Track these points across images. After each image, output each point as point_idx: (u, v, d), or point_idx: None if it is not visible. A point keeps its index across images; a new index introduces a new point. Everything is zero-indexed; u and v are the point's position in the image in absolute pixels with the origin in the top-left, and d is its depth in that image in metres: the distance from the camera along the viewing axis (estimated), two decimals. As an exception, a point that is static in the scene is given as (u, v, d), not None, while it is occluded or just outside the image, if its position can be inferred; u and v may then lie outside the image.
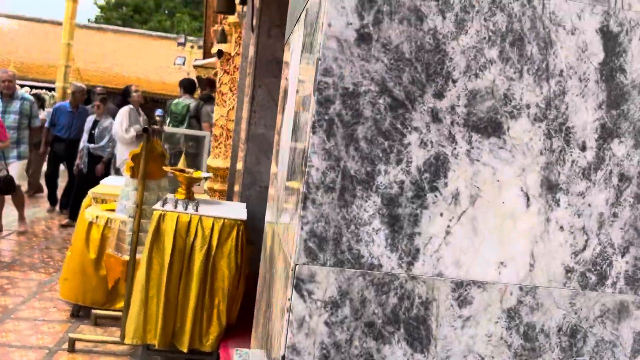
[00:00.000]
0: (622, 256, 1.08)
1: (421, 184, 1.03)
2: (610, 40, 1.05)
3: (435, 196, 1.03)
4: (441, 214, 1.04)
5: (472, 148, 1.04)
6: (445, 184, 1.04)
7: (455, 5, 1.01)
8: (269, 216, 1.74)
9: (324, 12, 0.99)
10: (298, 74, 1.28)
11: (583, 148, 1.06)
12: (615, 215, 1.07)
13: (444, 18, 1.01)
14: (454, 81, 1.02)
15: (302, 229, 1.01)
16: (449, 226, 1.04)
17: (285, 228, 1.18)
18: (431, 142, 1.03)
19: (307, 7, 1.23)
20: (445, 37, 1.02)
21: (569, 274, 1.07)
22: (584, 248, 1.07)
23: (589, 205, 1.07)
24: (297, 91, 1.26)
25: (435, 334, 1.06)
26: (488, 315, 1.07)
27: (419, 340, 1.05)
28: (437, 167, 1.03)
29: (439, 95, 1.02)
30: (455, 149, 1.03)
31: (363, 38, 1.00)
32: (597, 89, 1.05)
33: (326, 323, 1.03)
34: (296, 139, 1.17)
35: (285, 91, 1.64)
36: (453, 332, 1.06)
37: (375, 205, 1.02)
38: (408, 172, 1.02)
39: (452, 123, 1.03)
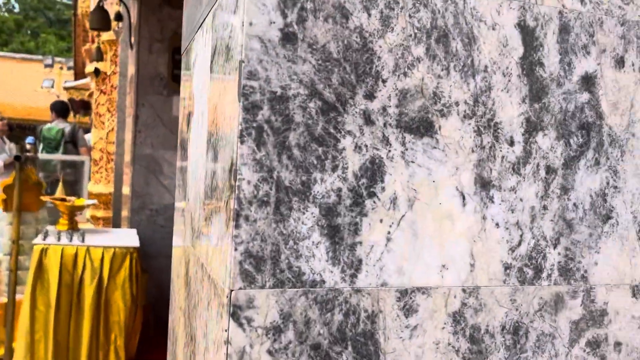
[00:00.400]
0: (554, 248, 1.09)
1: (359, 190, 0.97)
2: (528, 34, 1.06)
3: (374, 202, 0.98)
4: (381, 220, 0.98)
5: (407, 149, 1.00)
6: (383, 189, 0.98)
7: (379, 1, 0.97)
8: (178, 240, 1.60)
9: (244, 10, 0.91)
10: (209, 80, 1.18)
11: (511, 143, 1.06)
12: (545, 207, 1.08)
13: (369, 15, 0.97)
14: (384, 81, 0.98)
15: (235, 249, 0.91)
16: (389, 232, 0.99)
17: (211, 251, 1.07)
18: (365, 145, 0.97)
19: (216, 8, 1.13)
20: (372, 35, 0.97)
21: (508, 271, 1.07)
22: (520, 243, 1.07)
23: (521, 199, 1.07)
24: (210, 99, 1.15)
25: (383, 348, 1.00)
26: (434, 322, 1.03)
27: (368, 357, 0.99)
28: (374, 172, 0.98)
29: (370, 96, 0.97)
30: (390, 151, 0.99)
31: (288, 38, 0.93)
32: (520, 83, 1.06)
33: (269, 352, 0.94)
34: (216, 151, 1.06)
35: (188, 101, 1.52)
36: (401, 343, 1.01)
37: (314, 216, 0.94)
38: (345, 179, 0.96)
39: (385, 125, 0.98)
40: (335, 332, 0.97)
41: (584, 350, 1.12)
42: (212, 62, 1.16)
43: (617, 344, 1.14)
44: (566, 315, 1.10)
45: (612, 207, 1.13)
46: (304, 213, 0.94)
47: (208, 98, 1.18)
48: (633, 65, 1.13)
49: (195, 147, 1.35)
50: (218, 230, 1.01)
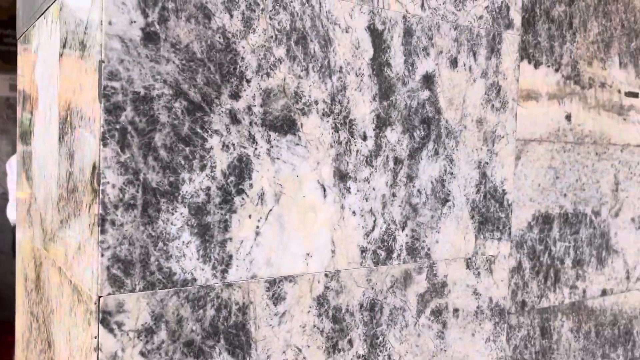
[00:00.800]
0: (403, 230, 1.21)
1: (228, 188, 0.99)
2: (377, 37, 1.15)
3: (243, 199, 1.01)
4: (250, 216, 1.02)
5: (272, 147, 1.04)
6: (251, 185, 1.02)
7: (241, 3, 0.99)
8: (24, 238, 1.49)
9: (102, 8, 0.87)
10: (58, 74, 1.11)
11: (364, 138, 1.15)
12: (394, 195, 1.20)
13: (232, 16, 0.98)
14: (248, 81, 1.01)
15: (102, 255, 0.89)
16: (258, 227, 1.03)
17: (72, 256, 1.02)
18: (233, 144, 1.00)
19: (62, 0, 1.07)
20: (235, 36, 0.99)
21: (364, 254, 1.17)
22: (373, 228, 1.17)
23: (374, 189, 1.17)
24: (61, 95, 1.09)
25: (255, 337, 1.04)
26: (301, 307, 1.10)
27: (240, 347, 1.03)
28: (242, 169, 1.01)
29: (235, 95, 0.99)
30: (256, 149, 1.02)
31: (150, 37, 0.91)
32: (371, 82, 1.15)
33: (142, 353, 0.93)
34: (72, 151, 1.02)
35: (28, 95, 1.41)
36: (271, 330, 1.06)
37: (183, 216, 0.95)
38: (213, 178, 0.98)
39: (250, 123, 1.01)
40: (207, 327, 0.99)
41: (429, 319, 1.27)
42: (61, 56, 1.09)
43: (455, 311, 1.31)
44: (414, 289, 1.24)
45: (449, 191, 1.28)
46: (172, 214, 0.94)
47: (58, 93, 1.12)
48: (464, 65, 1.28)
49: (42, 142, 1.27)
50: (79, 235, 0.97)
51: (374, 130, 1.16)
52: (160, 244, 0.94)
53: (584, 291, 1.84)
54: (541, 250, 1.72)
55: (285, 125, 1.05)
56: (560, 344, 1.79)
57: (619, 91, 1.86)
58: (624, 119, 1.88)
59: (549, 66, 1.67)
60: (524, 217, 1.66)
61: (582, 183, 1.79)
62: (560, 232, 1.75)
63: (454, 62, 1.26)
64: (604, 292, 1.89)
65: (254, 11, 1.01)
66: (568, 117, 1.74)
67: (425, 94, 1.22)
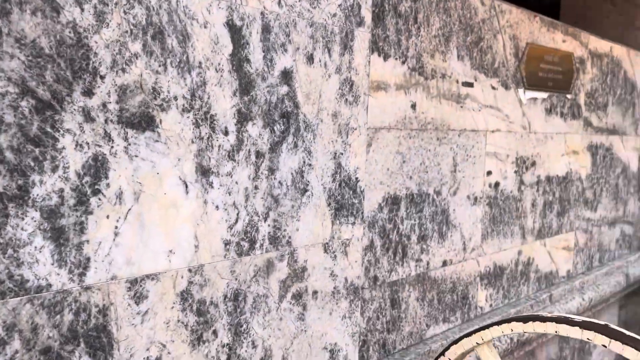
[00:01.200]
0: (265, 221, 1.26)
1: (82, 189, 0.96)
2: (236, 33, 1.16)
3: (99, 199, 0.98)
4: (107, 217, 1.00)
5: (130, 144, 1.02)
6: (108, 185, 0.99)
7: (92, -5, 0.95)
8: None
9: None
10: None
11: (226, 133, 1.17)
12: (256, 187, 1.23)
13: (82, 10, 0.94)
14: (102, 77, 0.97)
15: (-58, 267, 0.82)
16: (116, 227, 1.01)
17: None
18: (87, 143, 0.96)
19: None
20: (87, 31, 0.95)
21: (227, 246, 1.19)
22: (236, 221, 1.20)
23: (236, 182, 1.19)
24: None
25: (117, 337, 1.03)
26: (164, 304, 1.10)
27: (102, 349, 1.01)
28: (97, 169, 0.98)
29: (89, 92, 0.96)
30: (112, 147, 0.99)
31: (-10, 31, 0.84)
32: (231, 78, 1.16)
33: (-7, 367, 0.89)
34: None
35: None
36: (134, 329, 1.06)
37: (35, 221, 0.91)
38: (67, 179, 0.94)
39: (106, 121, 0.98)
40: (66, 332, 0.96)
41: (290, 303, 1.34)
42: None
43: (315, 293, 1.39)
44: (276, 276, 1.30)
45: (308, 182, 1.35)
46: (23, 219, 0.89)
47: None
48: (320, 61, 1.33)
49: None
50: None
51: (235, 125, 1.18)
52: (10, 251, 0.88)
53: (428, 263, 2.03)
54: (390, 229, 1.86)
55: (144, 122, 1.04)
56: (408, 312, 1.98)
57: (457, 81, 2.06)
58: (461, 107, 2.09)
59: (396, 59, 1.79)
60: (375, 199, 1.79)
61: (426, 166, 1.96)
62: (407, 211, 1.91)
63: (310, 59, 1.31)
64: (444, 263, 2.11)
65: (107, 5, 0.97)
66: (413, 106, 1.89)
67: (284, 89, 1.26)
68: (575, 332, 1.20)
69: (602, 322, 1.23)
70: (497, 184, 2.32)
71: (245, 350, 1.25)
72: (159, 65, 1.05)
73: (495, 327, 1.32)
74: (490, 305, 2.39)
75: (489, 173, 2.26)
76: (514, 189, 2.43)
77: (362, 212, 1.50)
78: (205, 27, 1.11)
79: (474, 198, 2.20)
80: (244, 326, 1.24)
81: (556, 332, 1.24)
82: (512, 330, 1.31)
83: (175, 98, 1.08)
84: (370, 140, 1.73)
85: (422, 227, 1.99)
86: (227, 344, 1.21)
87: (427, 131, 1.95)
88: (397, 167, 1.85)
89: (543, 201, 2.64)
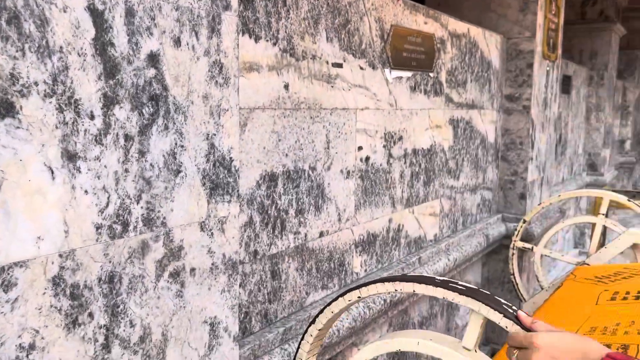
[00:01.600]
0: (138, 203, 1.28)
1: (-62, 179, 0.93)
2: (98, 17, 1.16)
3: (-43, 189, 0.96)
4: (-33, 206, 0.98)
5: (-12, 132, 1.00)
6: (-34, 174, 0.97)
7: (-64, -23, 0.91)
8: None
9: None
10: None
11: (92, 117, 1.17)
12: (127, 170, 1.25)
13: None
14: (-47, 63, 0.94)
15: None
16: (-22, 216, 0.99)
17: None
18: (-60, 132, 0.93)
19: None
20: None
21: (99, 230, 1.21)
22: (107, 204, 1.22)
23: (105, 166, 1.20)
24: None
25: (-15, 327, 1.02)
26: (35, 290, 1.10)
27: (-31, 340, 1.00)
28: (-47, 158, 0.95)
29: (-62, 79, 0.93)
30: (-31, 135, 0.97)
31: None
32: (95, 62, 1.16)
33: None
34: None
35: None
36: (3, 317, 1.05)
37: None
38: None
39: (-40, 109, 0.96)
40: None
41: (168, 281, 1.37)
42: None
43: (192, 270, 1.44)
44: (152, 256, 1.33)
45: (181, 163, 1.38)
46: None
47: None
48: (188, 44, 1.36)
49: None
50: None
51: (101, 109, 1.18)
52: None
53: (306, 235, 2.14)
54: (269, 205, 1.94)
55: (3, 109, 1.02)
56: (288, 282, 2.08)
57: (327, 62, 2.16)
58: (332, 87, 2.20)
59: (267, 40, 1.85)
60: (252, 177, 1.85)
61: (300, 144, 2.06)
62: (284, 187, 2.00)
63: (177, 42, 1.33)
64: (321, 234, 2.23)
65: (-46, -13, 0.94)
66: (286, 87, 1.96)
67: (152, 72, 1.28)
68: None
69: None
70: (367, 158, 2.48)
71: (124, 330, 1.28)
72: (17, 51, 1.03)
73: (355, 290, 1.42)
74: (365, 271, 2.57)
75: (360, 148, 2.41)
76: (383, 162, 2.60)
77: (238, 190, 1.56)
78: (65, 11, 1.10)
79: (346, 172, 2.34)
80: (121, 307, 1.27)
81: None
82: (377, 291, 1.44)
83: (36, 83, 1.07)
84: (245, 120, 1.79)
85: (299, 202, 2.09)
86: (104, 325, 1.23)
87: (301, 110, 2.04)
88: (273, 145, 1.93)
89: (410, 172, 2.86)
